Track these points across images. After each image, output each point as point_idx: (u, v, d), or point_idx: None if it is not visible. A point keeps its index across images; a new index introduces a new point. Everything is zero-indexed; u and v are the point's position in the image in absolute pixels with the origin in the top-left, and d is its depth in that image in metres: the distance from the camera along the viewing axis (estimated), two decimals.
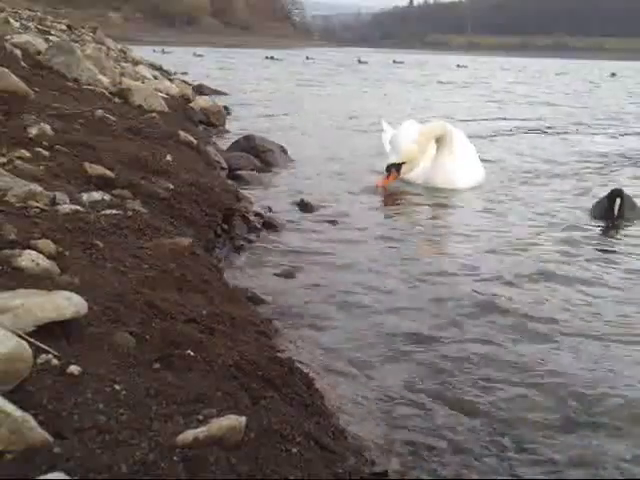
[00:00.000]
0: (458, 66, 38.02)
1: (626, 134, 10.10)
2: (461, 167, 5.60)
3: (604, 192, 4.85)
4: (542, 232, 4.31)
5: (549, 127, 10.62)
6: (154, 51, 27.39)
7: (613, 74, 32.71)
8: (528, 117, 11.98)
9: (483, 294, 3.13)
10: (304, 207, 4.67)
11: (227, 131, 8.46)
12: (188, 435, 1.19)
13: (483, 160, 6.27)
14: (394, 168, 5.26)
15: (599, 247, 4.04)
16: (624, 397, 2.19)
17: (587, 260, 3.74)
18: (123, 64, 10.62)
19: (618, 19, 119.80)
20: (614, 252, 3.95)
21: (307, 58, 40.89)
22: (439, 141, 5.55)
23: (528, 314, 2.89)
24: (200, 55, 35.73)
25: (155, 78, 10.66)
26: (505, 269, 3.50)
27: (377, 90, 17.64)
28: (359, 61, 38.59)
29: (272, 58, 37.55)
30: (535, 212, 4.86)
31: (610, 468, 1.82)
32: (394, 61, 40.17)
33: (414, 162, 5.35)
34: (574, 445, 1.92)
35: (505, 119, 11.54)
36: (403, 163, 5.28)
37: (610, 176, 6.48)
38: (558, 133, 9.88)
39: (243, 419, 1.27)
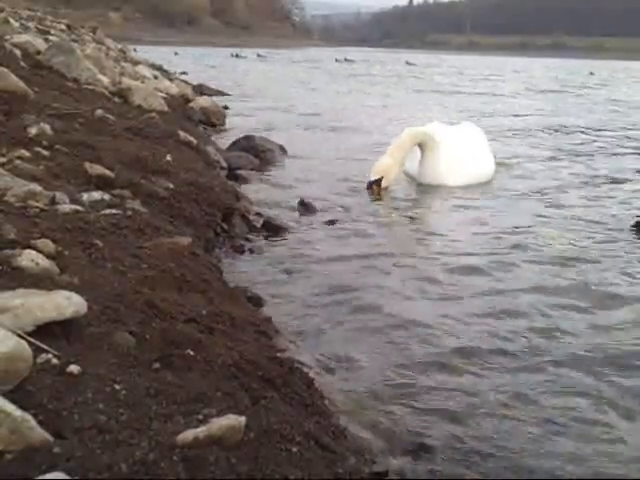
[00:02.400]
0: (407, 63, 39.14)
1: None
2: (450, 165, 5.69)
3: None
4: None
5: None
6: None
7: (591, 73, 32.69)
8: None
9: (490, 294, 3.14)
10: (304, 207, 4.67)
11: (227, 131, 8.46)
12: (188, 435, 1.19)
13: None
14: (374, 184, 5.46)
15: None
16: None
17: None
18: (123, 64, 10.61)
19: (618, 19, 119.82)
20: None
21: (258, 55, 42.27)
22: (423, 146, 5.63)
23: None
24: (176, 53, 37.09)
25: (155, 78, 10.65)
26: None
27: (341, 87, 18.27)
28: (336, 59, 40.91)
29: (237, 56, 39.84)
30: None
31: None
32: (345, 59, 41.67)
33: (390, 174, 5.48)
34: None
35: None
36: (381, 178, 5.44)
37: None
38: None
39: (243, 419, 1.27)
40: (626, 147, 8.45)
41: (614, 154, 7.86)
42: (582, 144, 8.60)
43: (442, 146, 5.64)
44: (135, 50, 26.66)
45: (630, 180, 6.25)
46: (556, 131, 9.86)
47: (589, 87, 21.85)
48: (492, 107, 13.31)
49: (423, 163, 5.71)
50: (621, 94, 18.84)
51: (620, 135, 9.59)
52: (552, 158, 7.39)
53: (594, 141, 8.89)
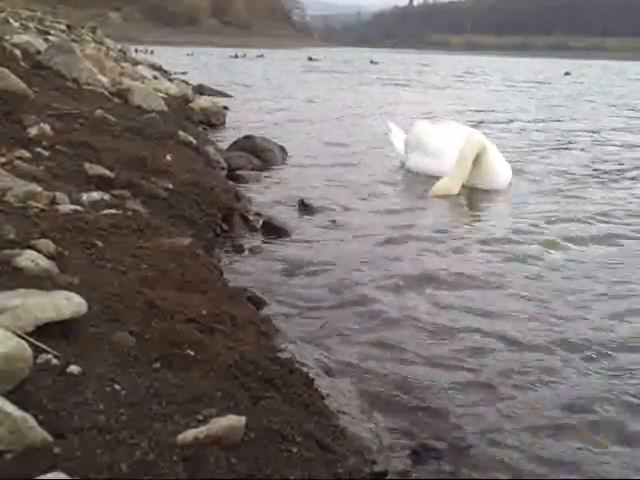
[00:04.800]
0: (371, 62, 39.25)
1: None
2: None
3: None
4: None
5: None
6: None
7: (567, 73, 31.62)
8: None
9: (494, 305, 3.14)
10: (304, 207, 4.67)
11: (227, 131, 8.46)
12: (188, 435, 1.19)
13: None
14: None
15: None
16: None
17: None
18: (123, 64, 10.61)
19: (618, 18, 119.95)
20: None
21: (257, 56, 42.65)
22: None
23: None
24: (189, 54, 37.94)
25: (155, 78, 10.67)
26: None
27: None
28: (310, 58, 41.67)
29: (236, 56, 40.27)
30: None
31: None
32: (310, 58, 41.79)
33: (453, 192, 5.30)
34: None
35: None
36: None
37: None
38: None
39: (243, 419, 1.27)
40: None
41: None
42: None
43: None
44: (152, 52, 27.11)
45: None
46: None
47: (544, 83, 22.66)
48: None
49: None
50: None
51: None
52: None
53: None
